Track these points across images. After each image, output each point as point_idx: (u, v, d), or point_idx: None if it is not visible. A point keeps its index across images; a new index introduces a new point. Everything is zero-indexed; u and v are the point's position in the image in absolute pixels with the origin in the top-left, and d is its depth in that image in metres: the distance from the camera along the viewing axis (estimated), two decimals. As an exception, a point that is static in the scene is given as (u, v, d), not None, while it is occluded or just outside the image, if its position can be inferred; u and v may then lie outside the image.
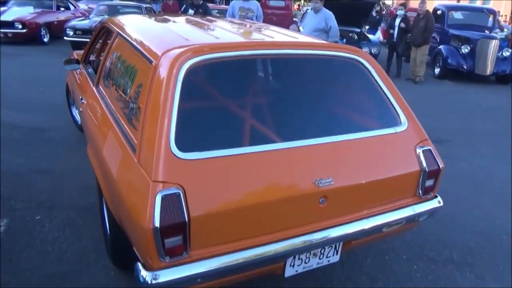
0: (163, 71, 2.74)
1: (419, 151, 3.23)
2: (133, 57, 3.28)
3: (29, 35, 14.71)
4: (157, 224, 2.41)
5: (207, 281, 2.63)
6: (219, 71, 3.06)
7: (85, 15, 16.44)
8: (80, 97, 4.44)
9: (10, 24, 14.46)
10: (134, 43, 3.38)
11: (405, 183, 3.20)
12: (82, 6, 19.64)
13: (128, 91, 3.12)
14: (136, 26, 3.98)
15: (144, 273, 2.53)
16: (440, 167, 3.26)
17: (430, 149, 3.28)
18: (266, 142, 2.88)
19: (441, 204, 3.37)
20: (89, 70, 4.79)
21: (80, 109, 4.37)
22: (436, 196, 3.38)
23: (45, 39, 15.31)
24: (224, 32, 3.70)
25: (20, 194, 4.76)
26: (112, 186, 2.92)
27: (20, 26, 14.51)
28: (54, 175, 5.21)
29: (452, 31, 13.63)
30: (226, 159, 2.66)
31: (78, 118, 6.31)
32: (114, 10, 15.10)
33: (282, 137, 2.97)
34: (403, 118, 3.29)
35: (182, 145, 2.57)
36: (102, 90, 3.84)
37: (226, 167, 2.64)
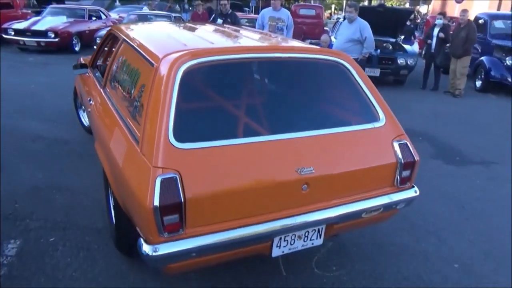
0: (163, 72, 3.15)
1: (395, 144, 3.59)
2: (136, 61, 3.71)
3: (61, 44, 14.79)
4: (156, 203, 2.80)
5: (201, 255, 3.02)
6: (213, 72, 3.47)
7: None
8: (88, 99, 4.79)
9: (43, 34, 14.58)
10: (138, 48, 3.81)
11: (382, 173, 3.55)
12: (114, 15, 19.73)
13: (133, 91, 3.55)
14: (140, 33, 4.43)
15: (145, 247, 2.90)
16: (416, 159, 3.60)
17: (406, 143, 3.64)
18: (254, 135, 3.31)
19: (417, 193, 3.68)
20: (97, 74, 5.20)
21: (89, 110, 4.72)
22: (413, 186, 3.70)
23: (77, 48, 15.38)
24: (219, 38, 4.28)
25: (36, 212, 4.58)
26: (118, 175, 3.29)
27: (52, 35, 14.60)
28: (73, 191, 5.02)
29: (495, 41, 13.06)
30: (218, 149, 3.05)
31: (85, 121, 6.69)
32: (144, 20, 15.07)
33: (269, 131, 3.38)
34: (381, 114, 3.64)
35: (179, 136, 2.96)
36: (109, 92, 4.26)
37: (218, 155, 3.02)
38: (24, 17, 17.24)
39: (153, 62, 3.34)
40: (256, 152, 3.16)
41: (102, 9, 18.48)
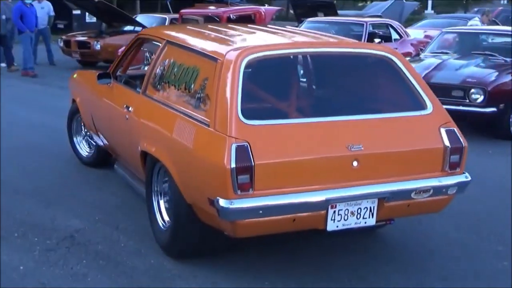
0: (228, 66, 3.85)
1: (442, 130, 4.06)
2: (191, 59, 4.33)
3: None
4: (233, 165, 3.51)
5: (266, 215, 3.63)
6: (270, 64, 4.23)
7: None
8: (125, 106, 5.01)
9: None
10: (194, 48, 4.43)
11: (430, 157, 4.04)
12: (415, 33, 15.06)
13: (192, 86, 4.15)
14: (185, 36, 4.95)
15: (222, 201, 3.54)
16: (463, 145, 4.07)
17: (453, 129, 4.10)
18: (310, 116, 4.31)
19: (469, 179, 4.14)
20: (125, 81, 5.65)
21: (127, 116, 4.93)
22: (464, 173, 4.15)
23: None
24: (259, 36, 4.95)
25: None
26: (187, 158, 3.96)
27: None
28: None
29: None
30: (279, 126, 3.84)
31: (83, 150, 6.57)
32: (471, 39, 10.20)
33: (323, 113, 4.12)
34: (429, 104, 4.15)
35: (246, 115, 3.69)
36: (153, 94, 4.69)
37: (279, 132, 3.80)
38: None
39: (216, 57, 3.99)
40: (311, 130, 3.89)
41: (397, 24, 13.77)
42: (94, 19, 20.03)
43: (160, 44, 4.87)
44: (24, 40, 14.09)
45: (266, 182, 3.64)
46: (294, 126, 3.94)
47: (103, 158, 6.29)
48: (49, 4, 15.91)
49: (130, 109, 4.91)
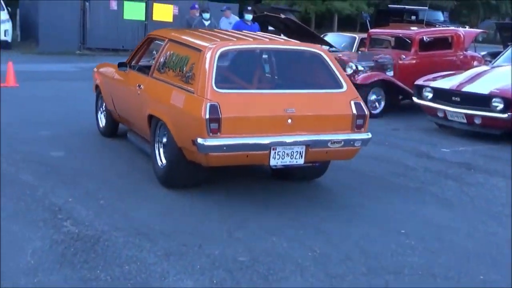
0: (208, 54, 6.03)
1: (352, 103, 6.20)
2: (185, 51, 6.52)
3: None
4: (207, 116, 5.62)
5: (228, 150, 5.72)
6: (237, 54, 6.73)
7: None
8: (137, 85, 7.11)
9: (484, 100, 9.43)
10: (187, 43, 6.65)
11: (342, 120, 6.17)
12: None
13: (184, 68, 6.33)
14: (181, 35, 7.10)
15: (200, 139, 5.61)
16: (366, 113, 6.23)
17: (359, 102, 6.24)
18: (262, 89, 6.74)
19: (369, 136, 6.27)
20: (136, 68, 7.80)
21: (138, 92, 7.05)
22: (367, 132, 6.27)
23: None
24: (238, 36, 7.07)
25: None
26: (179, 116, 6.12)
27: (501, 106, 9.11)
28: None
29: None
30: (241, 94, 6.16)
31: (101, 123, 8.83)
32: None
33: (271, 88, 6.87)
34: (344, 84, 6.31)
35: (218, 86, 5.85)
36: (158, 76, 6.85)
37: (241, 97, 6.04)
38: (466, 65, 12.21)
39: (201, 49, 6.19)
40: (261, 98, 6.18)
41: None
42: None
43: (164, 41, 7.17)
44: None
45: (230, 129, 5.77)
46: (250, 94, 6.29)
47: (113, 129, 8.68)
48: (236, 17, 15.24)
49: (141, 86, 7.06)
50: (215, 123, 5.66)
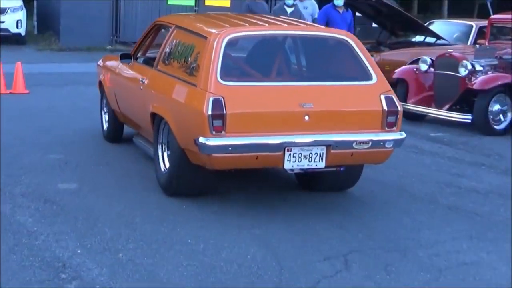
0: (214, 42, 6.60)
1: (382, 97, 6.63)
2: (190, 39, 7.19)
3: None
4: (210, 112, 6.16)
5: (234, 151, 6.26)
6: (245, 41, 7.62)
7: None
8: (140, 79, 7.91)
9: None
10: (193, 29, 7.30)
11: (370, 117, 6.67)
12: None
13: (189, 58, 6.99)
14: (189, 21, 8.02)
15: (202, 138, 6.15)
16: (399, 109, 6.68)
17: (391, 96, 6.69)
18: (275, 81, 7.27)
19: (403, 136, 6.78)
20: (142, 60, 8.70)
21: (141, 87, 7.80)
22: (400, 131, 6.76)
23: None
24: (245, 20, 7.77)
25: None
26: (181, 112, 6.79)
27: None
28: None
29: None
30: (250, 87, 6.75)
31: (105, 125, 9.72)
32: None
33: (285, 80, 7.49)
34: (374, 76, 6.76)
35: (223, 77, 6.40)
36: (163, 68, 7.59)
37: (250, 91, 6.64)
38: None
39: (206, 36, 6.79)
40: (273, 91, 6.73)
41: None
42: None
43: (171, 29, 7.89)
44: None
45: (236, 127, 6.32)
46: (260, 87, 6.82)
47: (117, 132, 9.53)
48: (314, 3, 15.05)
49: (144, 81, 7.79)
50: (219, 120, 6.18)
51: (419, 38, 16.46)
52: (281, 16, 10.97)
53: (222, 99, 6.18)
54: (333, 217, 6.78)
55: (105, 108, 9.58)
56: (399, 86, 12.10)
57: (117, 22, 22.18)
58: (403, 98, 11.70)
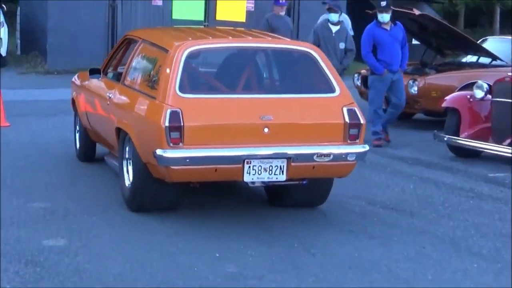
0: (174, 54, 7.70)
1: (345, 109, 7.70)
2: (154, 52, 8.45)
3: None
4: (167, 124, 7.24)
5: (192, 163, 7.31)
6: (206, 54, 8.77)
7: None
8: (107, 94, 9.09)
9: None
10: (156, 43, 8.54)
11: (332, 130, 7.75)
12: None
13: (152, 72, 8.27)
14: (155, 35, 9.44)
15: (159, 150, 7.19)
16: (361, 122, 7.75)
17: (354, 109, 7.77)
18: (234, 93, 8.31)
19: (366, 149, 7.89)
20: (111, 75, 9.95)
21: (108, 103, 8.99)
22: (363, 144, 7.86)
23: None
24: (212, 33, 9.67)
25: None
26: (141, 125, 7.85)
27: None
28: None
29: None
30: (208, 99, 7.87)
31: (77, 143, 11.06)
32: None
33: (244, 92, 8.45)
34: (337, 88, 7.88)
35: (182, 90, 7.52)
36: (128, 82, 8.80)
37: (208, 103, 7.73)
38: None
39: (167, 49, 7.90)
40: (232, 103, 7.80)
41: None
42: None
43: (138, 42, 9.23)
44: (377, 86, 13.03)
45: (194, 139, 7.36)
46: (220, 99, 7.94)
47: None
48: (346, 17, 15.36)
49: (110, 96, 9.02)
50: (176, 132, 7.24)
51: (470, 58, 16.24)
52: (324, 36, 13.31)
53: (180, 111, 7.27)
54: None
55: (77, 127, 10.84)
56: (450, 116, 12.00)
57: (113, 39, 22.05)
58: (455, 131, 11.63)
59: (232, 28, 10.56)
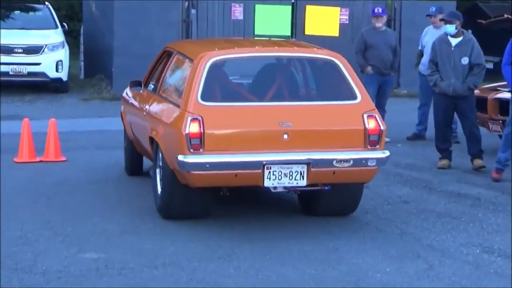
0: (198, 64, 9.55)
1: (365, 116, 9.16)
2: (183, 63, 10.39)
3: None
4: (187, 131, 8.97)
5: (213, 169, 8.95)
6: (231, 63, 10.42)
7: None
8: (144, 105, 10.75)
9: None
10: (185, 53, 10.41)
11: (352, 136, 9.24)
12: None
13: (180, 81, 10.16)
14: (187, 46, 11.92)
15: (180, 156, 8.88)
16: (381, 128, 9.20)
17: (374, 115, 9.24)
18: (255, 101, 9.99)
19: (387, 154, 9.20)
20: (152, 87, 11.39)
21: (144, 114, 10.62)
22: (384, 150, 9.23)
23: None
24: (241, 43, 12.15)
25: None
26: (167, 133, 9.58)
27: None
28: None
29: None
30: (229, 107, 9.56)
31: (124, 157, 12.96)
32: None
33: (264, 100, 9.87)
34: (359, 95, 9.40)
35: (204, 98, 9.30)
36: (161, 93, 10.53)
37: (229, 111, 9.50)
38: None
39: (193, 59, 9.60)
40: (252, 111, 9.40)
41: None
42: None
43: (173, 54, 10.84)
44: None
45: (214, 145, 8.83)
46: (240, 107, 9.38)
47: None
48: None
49: (146, 107, 10.69)
50: (196, 139, 8.67)
51: None
52: (442, 52, 12.97)
53: (201, 119, 8.72)
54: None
55: (125, 140, 12.60)
56: None
57: (188, 59, 22.16)
58: None
59: (269, 39, 13.08)
